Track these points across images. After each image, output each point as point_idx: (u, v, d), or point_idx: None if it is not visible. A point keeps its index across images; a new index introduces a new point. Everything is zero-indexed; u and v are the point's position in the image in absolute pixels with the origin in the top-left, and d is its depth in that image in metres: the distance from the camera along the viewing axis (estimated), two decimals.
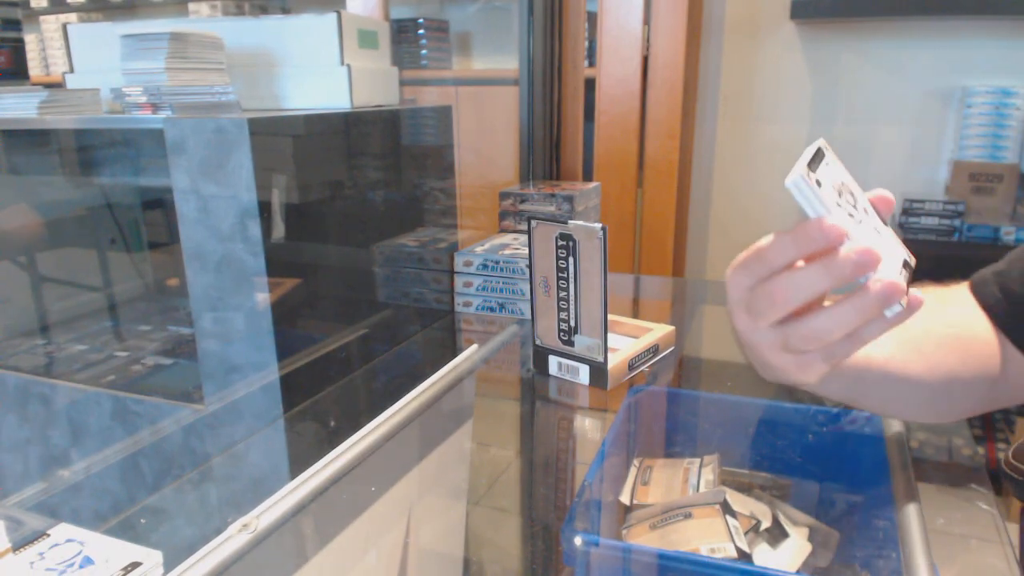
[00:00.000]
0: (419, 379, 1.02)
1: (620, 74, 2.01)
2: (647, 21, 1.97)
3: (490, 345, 1.26)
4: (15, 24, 1.32)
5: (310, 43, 1.23)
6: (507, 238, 1.52)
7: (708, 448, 0.88)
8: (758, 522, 0.75)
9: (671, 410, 0.97)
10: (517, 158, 1.91)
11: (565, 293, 1.04)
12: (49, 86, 1.27)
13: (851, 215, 0.48)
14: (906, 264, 0.51)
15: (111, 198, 1.47)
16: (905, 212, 2.02)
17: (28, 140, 1.32)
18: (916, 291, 0.48)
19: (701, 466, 0.85)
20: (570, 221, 1.00)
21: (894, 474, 0.72)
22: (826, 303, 0.50)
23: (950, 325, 0.64)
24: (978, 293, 0.66)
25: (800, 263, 0.47)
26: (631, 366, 1.09)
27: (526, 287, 1.33)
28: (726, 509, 0.76)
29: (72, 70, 1.33)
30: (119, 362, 1.34)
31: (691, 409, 0.97)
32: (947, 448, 0.92)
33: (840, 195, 0.48)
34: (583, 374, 1.06)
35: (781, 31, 2.23)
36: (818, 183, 0.46)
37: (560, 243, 1.02)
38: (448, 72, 2.58)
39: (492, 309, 1.38)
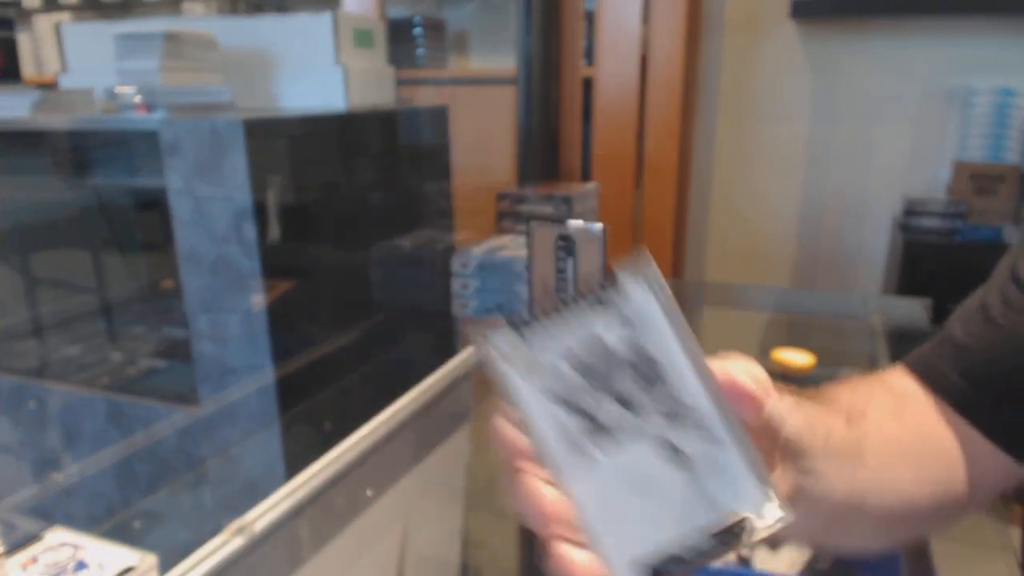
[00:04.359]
0: (416, 382, 1.02)
1: (618, 73, 2.00)
2: (646, 20, 1.96)
3: None
4: (8, 24, 1.32)
5: (305, 42, 1.22)
6: (505, 239, 1.51)
7: None
8: None
9: None
10: (514, 159, 1.90)
11: (564, 295, 1.03)
12: (42, 86, 1.27)
13: (595, 421, 0.28)
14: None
15: (104, 199, 1.46)
16: (906, 213, 2.02)
17: (20, 141, 1.32)
18: None
19: None
20: (569, 222, 1.00)
21: None
22: None
23: (917, 428, 0.52)
24: (932, 382, 0.53)
25: None
26: None
27: (524, 289, 1.32)
28: None
29: (65, 70, 1.33)
30: (113, 365, 1.33)
31: None
32: None
33: (597, 377, 0.28)
34: None
35: (781, 30, 2.22)
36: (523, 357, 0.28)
37: (559, 244, 1.01)
38: (445, 72, 2.57)
39: (490, 311, 1.37)
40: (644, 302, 0.28)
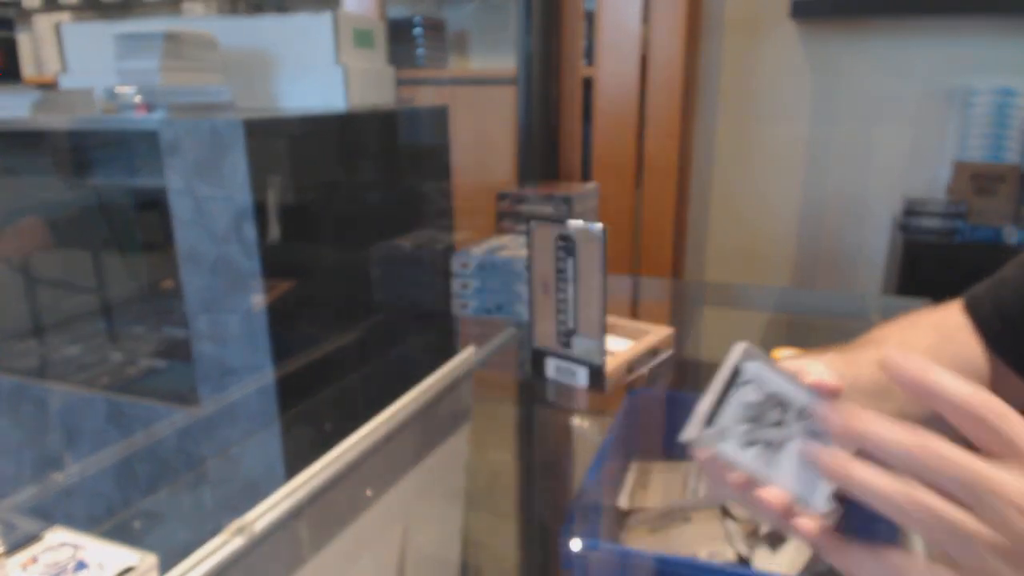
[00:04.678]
0: (415, 382, 1.02)
1: (619, 73, 2.00)
2: (646, 20, 1.96)
3: (487, 347, 1.25)
4: (8, 24, 1.32)
5: (305, 42, 1.22)
6: (505, 239, 1.51)
7: None
8: (757, 526, 0.74)
9: (670, 412, 0.97)
10: (514, 159, 1.90)
11: (563, 295, 1.03)
12: (42, 86, 1.27)
13: (768, 443, 0.47)
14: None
15: (105, 199, 1.46)
16: (906, 213, 2.02)
17: (20, 141, 1.32)
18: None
19: (700, 469, 0.85)
20: (569, 221, 1.00)
21: None
22: None
23: (953, 362, 0.61)
24: (972, 312, 0.63)
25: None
26: (630, 368, 1.08)
27: (524, 289, 1.32)
28: (725, 513, 0.75)
29: (65, 70, 1.33)
30: (114, 365, 1.33)
31: (690, 411, 0.96)
32: None
33: (755, 420, 0.47)
34: (581, 376, 1.05)
35: (781, 30, 2.23)
36: (716, 430, 0.48)
37: (559, 244, 1.01)
38: (445, 72, 2.57)
39: (489, 311, 1.37)
40: (756, 368, 0.47)
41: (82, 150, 1.29)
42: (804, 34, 2.22)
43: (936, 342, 0.62)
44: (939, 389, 0.39)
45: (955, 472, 0.36)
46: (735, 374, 0.47)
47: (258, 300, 1.05)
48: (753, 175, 2.37)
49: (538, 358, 1.10)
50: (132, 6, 3.19)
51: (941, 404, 0.39)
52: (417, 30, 2.45)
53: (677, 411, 0.96)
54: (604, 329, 1.01)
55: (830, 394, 0.46)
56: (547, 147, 1.93)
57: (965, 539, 0.36)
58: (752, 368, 0.47)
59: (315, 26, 1.20)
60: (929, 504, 0.37)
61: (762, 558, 0.72)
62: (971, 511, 0.36)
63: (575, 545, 0.64)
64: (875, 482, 0.39)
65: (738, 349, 0.47)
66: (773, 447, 0.47)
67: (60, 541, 0.59)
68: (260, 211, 1.02)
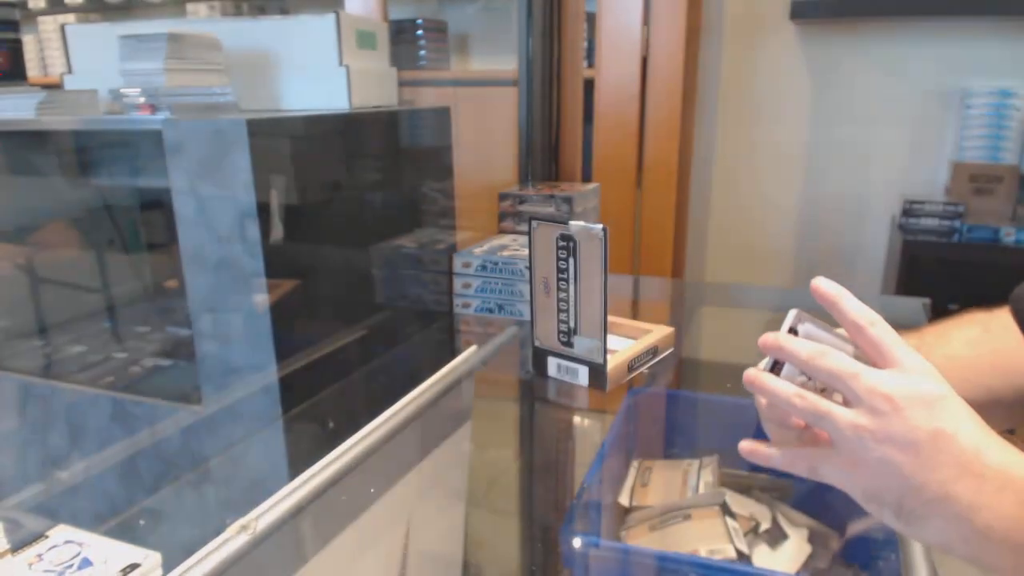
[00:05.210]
0: (418, 381, 1.02)
1: (619, 75, 2.00)
2: (646, 22, 1.97)
3: (489, 347, 1.26)
4: (13, 25, 1.32)
5: (308, 44, 1.23)
6: (506, 239, 1.51)
7: (707, 449, 0.88)
8: (758, 523, 0.75)
9: (670, 411, 0.97)
10: (516, 159, 1.91)
11: (565, 294, 1.04)
12: (47, 87, 1.27)
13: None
14: None
15: (109, 199, 1.46)
16: (905, 213, 2.02)
17: (25, 141, 1.32)
18: None
19: (700, 467, 0.85)
20: (571, 222, 1.00)
21: None
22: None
23: (995, 352, 0.65)
24: (1013, 308, 0.66)
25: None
26: (630, 367, 1.09)
27: (525, 288, 1.33)
28: (725, 510, 0.76)
29: (70, 71, 1.33)
30: (117, 363, 1.34)
31: (690, 410, 0.97)
32: None
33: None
34: (582, 375, 1.06)
35: (781, 32, 2.23)
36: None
37: (560, 244, 1.02)
38: (447, 73, 2.58)
39: (491, 310, 1.38)
40: (808, 328, 0.53)
41: (86, 150, 1.30)
42: (803, 35, 2.22)
43: (976, 335, 0.65)
44: (843, 307, 0.51)
45: (834, 368, 0.49)
46: (791, 334, 0.55)
47: (261, 299, 1.06)
48: (753, 176, 2.38)
49: (539, 357, 1.11)
50: (136, 7, 3.20)
51: (845, 321, 0.51)
52: (419, 32, 2.46)
53: (677, 410, 0.97)
54: (605, 328, 1.02)
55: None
56: (548, 148, 1.94)
57: (831, 420, 0.49)
58: (806, 328, 0.54)
59: (318, 28, 1.21)
60: (806, 396, 0.50)
61: (762, 556, 0.72)
62: (850, 405, 0.49)
63: (576, 543, 0.65)
64: (776, 386, 0.52)
65: (792, 313, 0.54)
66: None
67: (65, 539, 0.59)
68: (263, 211, 1.03)
